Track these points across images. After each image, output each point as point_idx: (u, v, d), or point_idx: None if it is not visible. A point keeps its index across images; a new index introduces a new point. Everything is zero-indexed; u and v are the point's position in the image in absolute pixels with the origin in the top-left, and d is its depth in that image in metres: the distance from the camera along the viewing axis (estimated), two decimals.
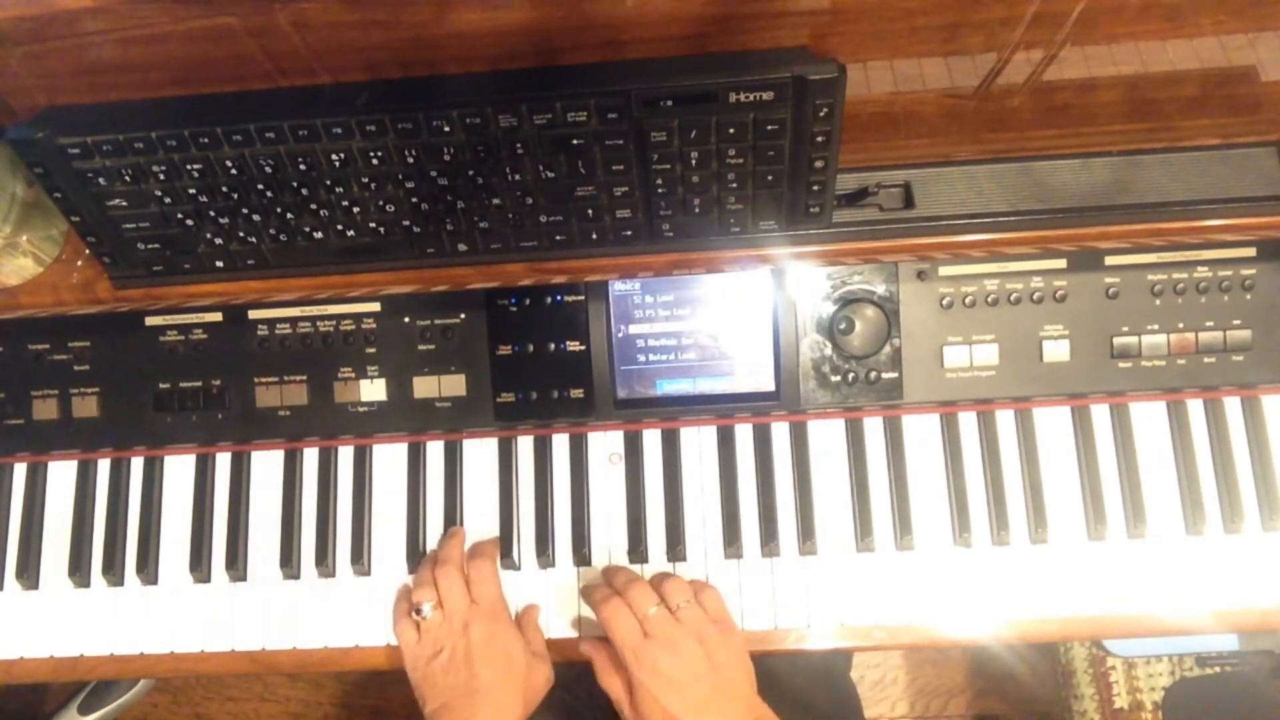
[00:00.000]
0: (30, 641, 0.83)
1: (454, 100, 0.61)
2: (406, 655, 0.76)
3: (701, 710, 0.68)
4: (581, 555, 0.81)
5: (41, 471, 0.87)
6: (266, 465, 0.85)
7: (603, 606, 0.72)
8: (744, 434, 0.82)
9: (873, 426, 0.82)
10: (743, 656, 0.72)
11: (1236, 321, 0.78)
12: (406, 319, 0.82)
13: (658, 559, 0.81)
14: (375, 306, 0.82)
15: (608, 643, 0.72)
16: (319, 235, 0.69)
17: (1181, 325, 0.78)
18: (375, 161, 0.64)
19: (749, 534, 0.81)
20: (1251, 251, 0.78)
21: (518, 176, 0.65)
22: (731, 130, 0.62)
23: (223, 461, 0.85)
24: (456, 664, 0.72)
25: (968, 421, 0.82)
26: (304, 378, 0.82)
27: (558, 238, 0.69)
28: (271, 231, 0.69)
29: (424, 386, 0.82)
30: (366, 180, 0.65)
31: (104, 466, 0.86)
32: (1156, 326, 0.79)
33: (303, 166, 0.64)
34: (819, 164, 0.65)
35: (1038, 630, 0.78)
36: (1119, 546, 0.79)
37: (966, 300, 0.79)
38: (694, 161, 0.64)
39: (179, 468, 0.86)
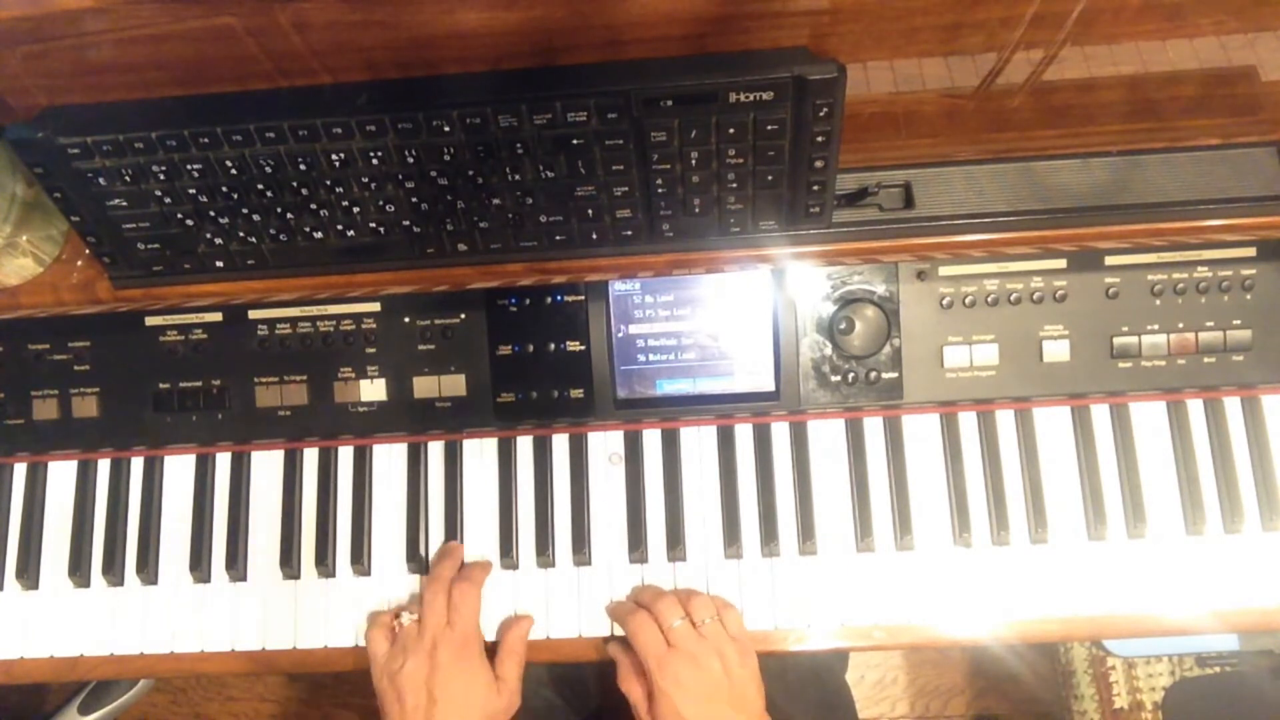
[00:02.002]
0: (30, 641, 0.83)
1: (454, 100, 0.61)
2: (374, 664, 0.76)
3: None
4: (581, 555, 0.81)
5: (41, 471, 0.87)
6: (266, 465, 0.85)
7: (629, 616, 0.75)
8: (744, 434, 0.82)
9: (873, 426, 0.82)
10: (756, 675, 0.74)
11: (1236, 321, 0.78)
12: (406, 319, 0.82)
13: (658, 559, 0.81)
14: (375, 306, 0.82)
15: (630, 648, 0.74)
16: (319, 235, 0.69)
17: (1181, 325, 0.78)
18: (375, 161, 0.64)
19: (749, 534, 0.81)
20: (1251, 251, 0.78)
21: (518, 176, 0.65)
22: (731, 130, 0.62)
23: (223, 461, 0.85)
24: (417, 685, 0.72)
25: (968, 421, 0.82)
26: (304, 378, 0.82)
27: (558, 238, 0.69)
28: (271, 231, 0.69)
29: (424, 386, 0.82)
30: (366, 180, 0.65)
31: (104, 466, 0.86)
32: (1156, 326, 0.79)
33: (303, 166, 0.64)
34: (819, 164, 0.65)
35: (1038, 630, 0.78)
36: (1119, 546, 0.79)
37: (966, 300, 0.79)
38: (694, 161, 0.64)
39: (179, 468, 0.86)
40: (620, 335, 0.81)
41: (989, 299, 0.79)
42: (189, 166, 0.64)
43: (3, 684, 0.83)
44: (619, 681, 0.75)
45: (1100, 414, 0.81)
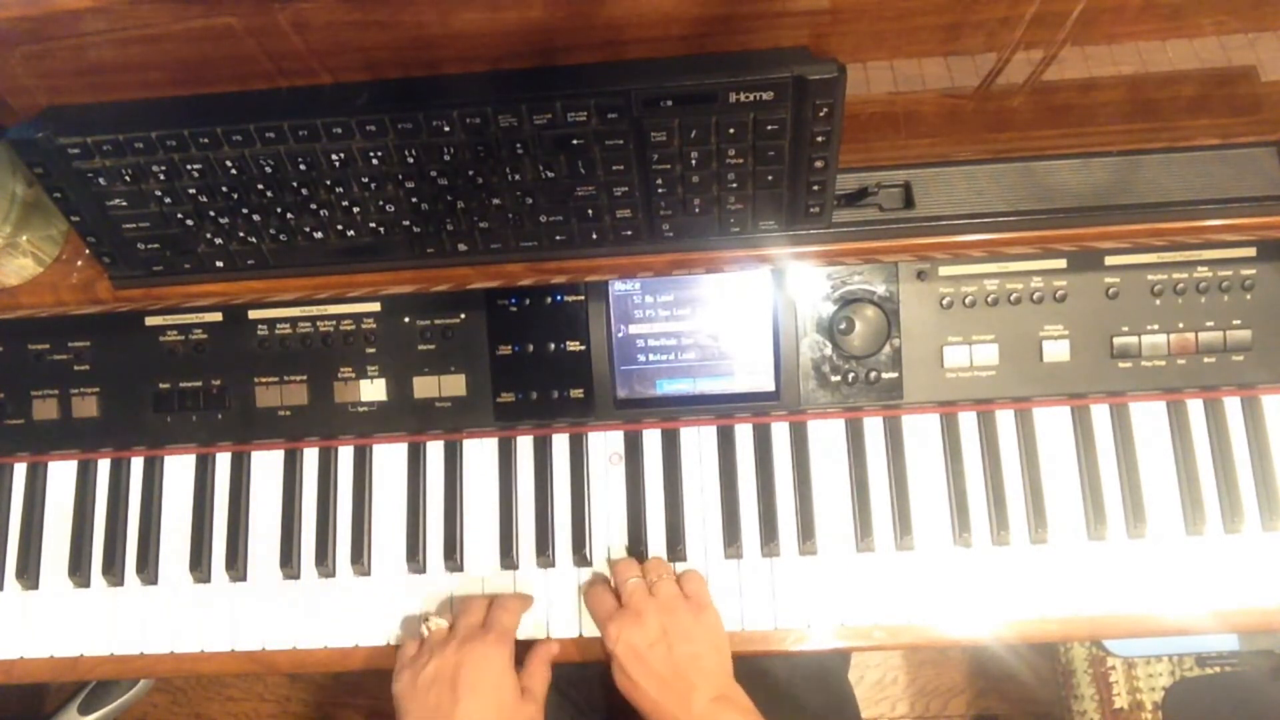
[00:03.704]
0: (30, 641, 0.83)
1: (454, 100, 0.61)
2: (398, 664, 0.74)
3: (664, 683, 0.69)
4: (582, 556, 0.81)
5: (41, 471, 0.87)
6: (266, 465, 0.85)
7: (587, 587, 0.76)
8: (744, 434, 0.82)
9: (873, 426, 0.82)
10: (714, 635, 0.73)
11: (1236, 321, 0.78)
12: (406, 319, 0.82)
13: None
14: (375, 306, 0.82)
15: None
16: (319, 235, 0.69)
17: (1181, 325, 0.78)
18: (375, 161, 0.64)
19: (749, 534, 0.81)
20: (1251, 251, 0.78)
21: (518, 176, 0.65)
22: (731, 130, 0.62)
23: (223, 461, 0.85)
24: (442, 683, 0.69)
25: (968, 421, 0.82)
26: (304, 378, 0.82)
27: (558, 238, 0.69)
28: (271, 231, 0.69)
29: (424, 386, 0.82)
30: (366, 180, 0.65)
31: (104, 466, 0.86)
32: (1156, 326, 0.79)
33: (303, 166, 0.64)
34: (819, 164, 0.65)
35: (1038, 630, 0.78)
36: (1119, 546, 0.79)
37: (966, 300, 0.79)
38: (694, 161, 0.64)
39: (179, 468, 0.86)
40: (620, 335, 0.81)
41: (989, 299, 0.79)
42: (189, 166, 0.64)
43: (3, 684, 0.83)
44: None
45: (1100, 414, 0.81)
